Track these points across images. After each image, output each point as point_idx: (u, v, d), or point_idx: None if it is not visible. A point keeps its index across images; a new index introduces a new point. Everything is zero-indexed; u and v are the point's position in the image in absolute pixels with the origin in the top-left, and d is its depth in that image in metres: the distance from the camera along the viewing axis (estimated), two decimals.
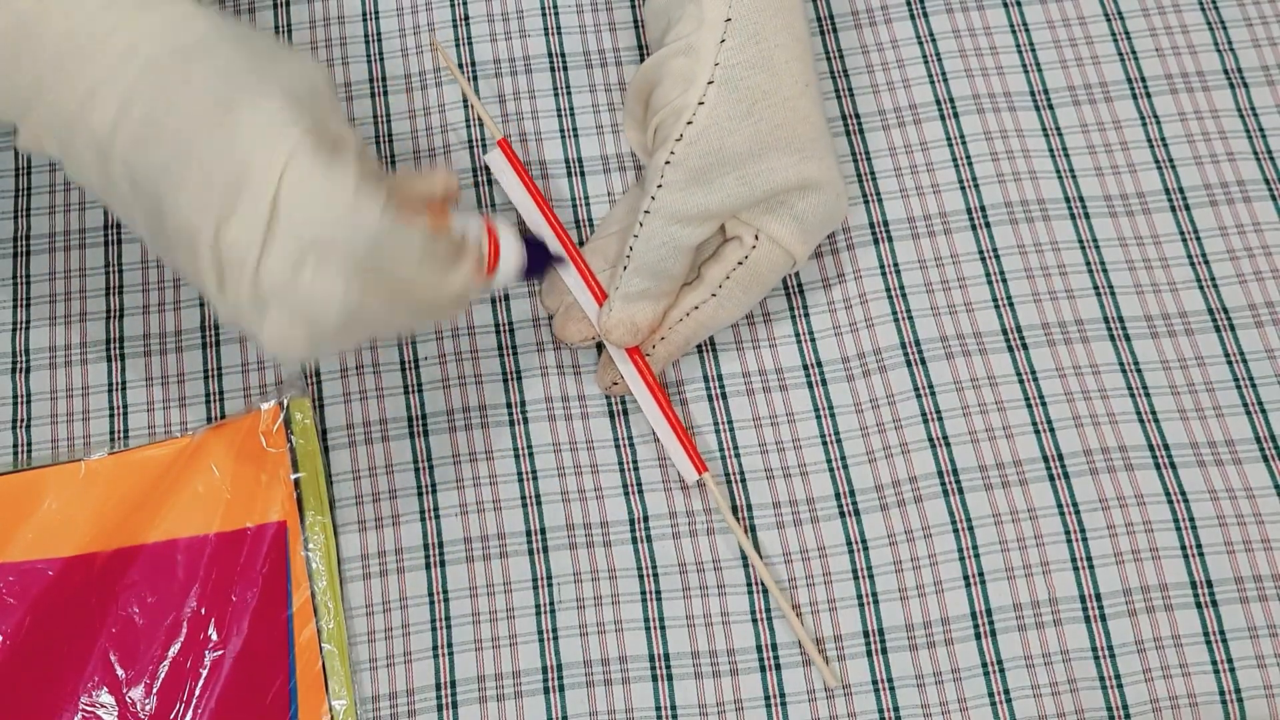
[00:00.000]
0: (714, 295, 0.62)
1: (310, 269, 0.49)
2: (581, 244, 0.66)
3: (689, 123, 0.60)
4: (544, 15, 0.72)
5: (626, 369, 0.62)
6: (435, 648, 0.60)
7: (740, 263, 0.62)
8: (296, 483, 0.62)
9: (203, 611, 0.60)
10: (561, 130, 0.69)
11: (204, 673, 0.59)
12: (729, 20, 0.61)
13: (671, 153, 0.60)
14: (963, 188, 0.68)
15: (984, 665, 0.59)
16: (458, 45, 0.71)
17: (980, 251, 0.67)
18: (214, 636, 0.59)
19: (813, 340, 0.65)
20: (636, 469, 0.63)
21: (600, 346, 0.65)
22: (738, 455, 0.63)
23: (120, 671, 0.59)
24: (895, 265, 0.67)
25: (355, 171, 0.49)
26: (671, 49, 0.62)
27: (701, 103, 0.60)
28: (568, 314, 0.64)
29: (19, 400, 0.64)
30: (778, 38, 0.61)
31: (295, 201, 0.48)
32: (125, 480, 0.62)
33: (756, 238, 0.62)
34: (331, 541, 0.61)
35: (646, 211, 0.61)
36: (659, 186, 0.60)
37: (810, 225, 0.62)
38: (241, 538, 0.61)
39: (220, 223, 0.49)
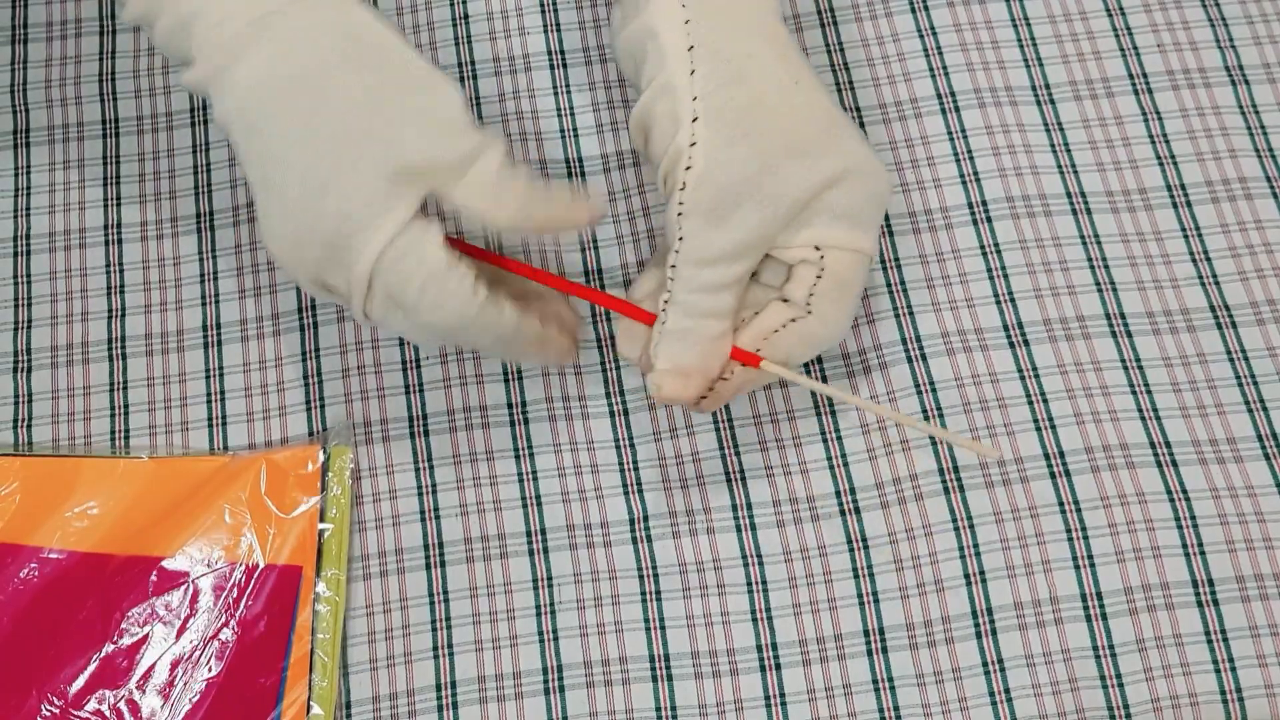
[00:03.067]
0: (809, 313, 0.58)
1: (402, 319, 0.57)
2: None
3: (688, 168, 0.57)
4: (543, 12, 0.72)
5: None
6: (435, 648, 0.60)
7: (818, 277, 0.58)
8: (321, 533, 0.62)
9: (201, 641, 0.60)
10: (562, 130, 0.69)
11: (191, 701, 0.59)
12: (691, 49, 0.58)
13: (681, 203, 0.58)
14: (964, 182, 0.68)
15: (984, 664, 0.60)
16: (457, 44, 0.71)
17: (981, 246, 0.67)
18: (208, 669, 0.59)
19: None
20: (636, 469, 0.63)
21: None
22: (738, 453, 0.63)
23: (106, 684, 0.59)
24: (896, 260, 0.67)
25: (443, 262, 0.55)
26: (650, 93, 0.59)
27: (694, 143, 0.58)
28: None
29: (20, 400, 0.65)
30: (745, 47, 0.59)
31: (390, 279, 0.55)
32: (158, 487, 0.63)
33: (819, 251, 0.58)
34: (343, 597, 0.61)
35: (674, 265, 0.58)
36: (680, 239, 0.58)
37: (859, 214, 0.59)
38: (253, 575, 0.61)
39: (318, 267, 0.56)
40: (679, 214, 0.58)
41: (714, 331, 0.58)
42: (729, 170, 0.57)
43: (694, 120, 0.58)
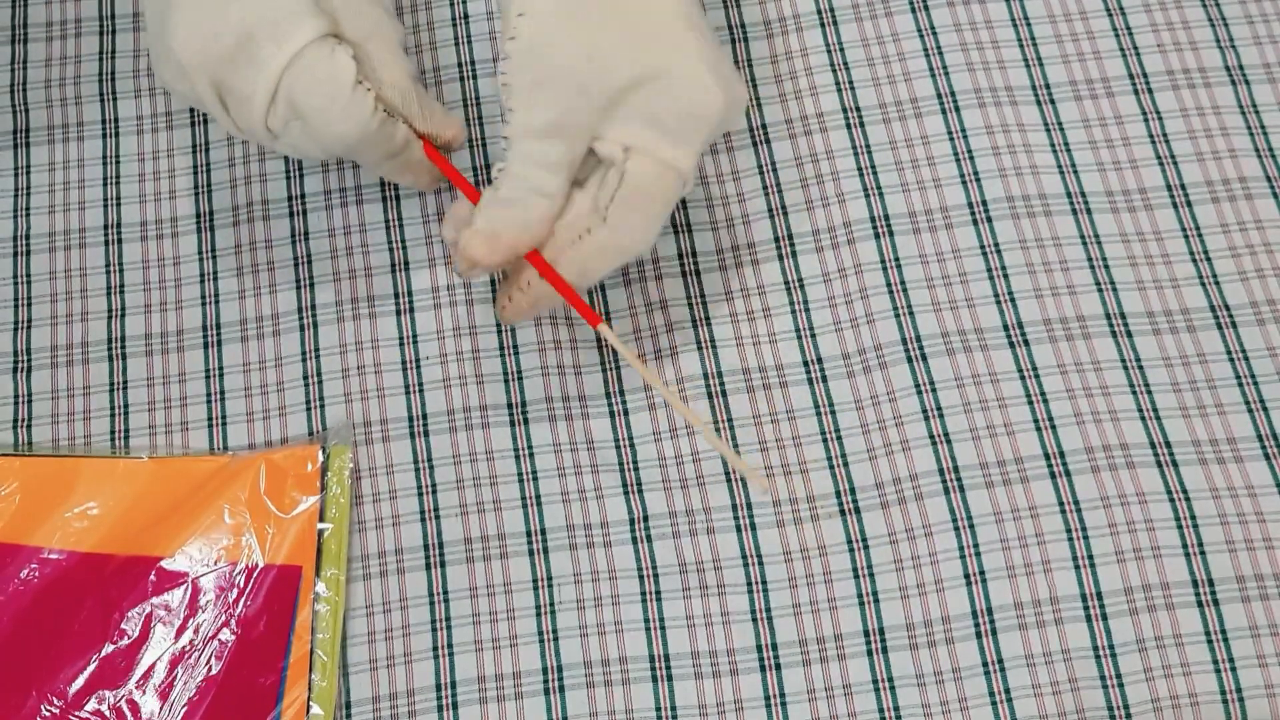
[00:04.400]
0: (604, 221, 0.58)
1: (299, 130, 0.59)
2: None
3: (512, 38, 0.57)
4: None
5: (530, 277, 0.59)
6: (435, 648, 0.60)
7: (618, 184, 0.57)
8: (320, 533, 0.62)
9: (201, 641, 0.60)
10: None
11: (190, 701, 0.59)
12: None
13: (504, 73, 0.57)
14: (964, 182, 0.68)
15: (984, 664, 0.59)
16: (457, 44, 0.71)
17: (982, 246, 0.67)
18: (208, 669, 0.59)
19: (813, 336, 0.65)
20: (636, 469, 0.63)
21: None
22: (738, 453, 0.63)
23: (106, 684, 0.59)
24: (896, 260, 0.67)
25: (352, 74, 0.58)
26: None
27: (521, 14, 0.57)
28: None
29: (20, 400, 0.64)
30: None
31: (294, 90, 0.57)
32: (157, 487, 0.63)
33: (626, 153, 0.57)
34: (342, 597, 0.61)
35: (506, 137, 0.58)
36: (511, 110, 0.58)
37: (671, 124, 0.57)
38: (253, 575, 0.61)
39: (223, 67, 0.57)
40: (503, 84, 0.58)
41: (538, 210, 0.58)
42: (553, 48, 0.57)
43: None
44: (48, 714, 0.58)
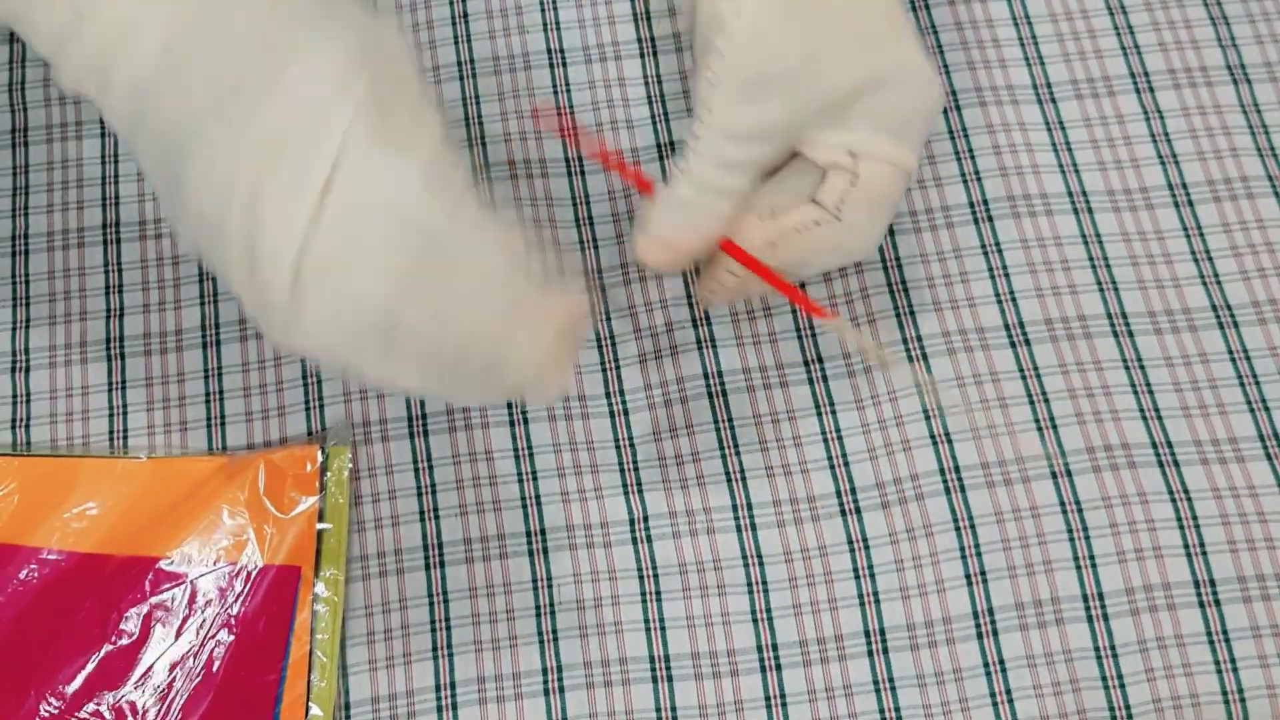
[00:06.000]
0: (838, 219, 0.56)
1: (357, 267, 0.44)
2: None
3: (726, 35, 0.54)
4: (542, 11, 0.71)
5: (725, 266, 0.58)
6: (435, 649, 0.60)
7: (851, 185, 0.56)
8: (319, 533, 0.62)
9: (199, 641, 0.60)
10: (561, 130, 0.69)
11: (189, 702, 0.59)
12: None
13: (712, 71, 0.55)
14: (965, 182, 0.68)
15: (985, 665, 0.59)
16: (456, 43, 0.71)
17: (982, 246, 0.67)
18: (207, 669, 0.59)
19: (813, 335, 0.65)
20: (636, 469, 0.63)
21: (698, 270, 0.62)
22: (738, 453, 0.63)
23: (105, 685, 0.59)
24: (896, 259, 0.66)
25: (425, 157, 0.45)
26: None
27: (739, 14, 0.54)
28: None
29: (18, 399, 0.64)
30: None
31: (349, 188, 0.44)
32: (156, 487, 0.62)
33: (853, 156, 0.56)
34: (341, 597, 0.61)
35: (696, 135, 0.56)
36: (709, 111, 0.55)
37: (903, 125, 0.56)
38: (252, 575, 0.61)
39: (254, 202, 0.44)
40: (709, 84, 0.55)
41: (715, 210, 0.56)
42: (769, 48, 0.54)
43: None
44: (46, 714, 0.58)
